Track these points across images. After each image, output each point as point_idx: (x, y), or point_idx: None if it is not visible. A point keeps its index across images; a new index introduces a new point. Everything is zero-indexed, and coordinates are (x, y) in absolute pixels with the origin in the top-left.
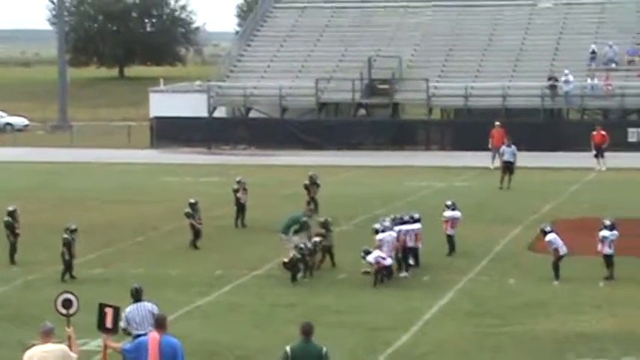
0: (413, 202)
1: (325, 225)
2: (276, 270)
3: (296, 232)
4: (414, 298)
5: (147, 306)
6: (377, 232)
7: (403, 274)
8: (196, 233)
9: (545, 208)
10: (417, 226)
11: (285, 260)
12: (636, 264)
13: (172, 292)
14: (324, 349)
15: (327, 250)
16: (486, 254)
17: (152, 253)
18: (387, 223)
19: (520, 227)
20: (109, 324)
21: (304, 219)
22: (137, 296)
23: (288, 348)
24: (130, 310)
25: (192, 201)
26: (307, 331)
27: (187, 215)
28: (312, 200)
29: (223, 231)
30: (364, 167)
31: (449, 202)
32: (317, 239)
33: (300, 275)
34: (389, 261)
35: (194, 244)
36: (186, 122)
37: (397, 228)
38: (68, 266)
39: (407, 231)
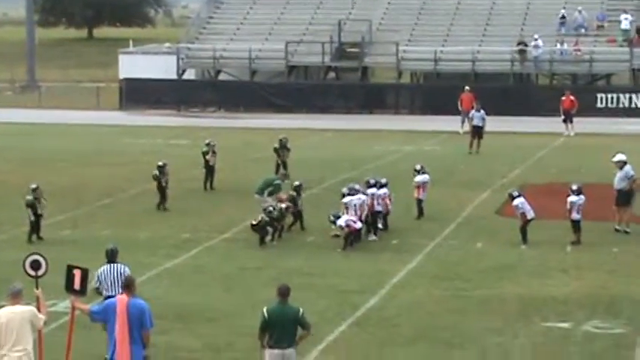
0: (382, 165)
1: (297, 189)
2: (244, 233)
3: (270, 194)
4: (383, 262)
5: (120, 268)
6: (343, 195)
7: (372, 237)
8: (163, 195)
9: (514, 172)
10: (383, 190)
11: (254, 222)
12: (603, 229)
13: (140, 254)
14: (301, 310)
15: (298, 214)
16: (455, 218)
17: (120, 215)
18: (358, 187)
19: (488, 192)
20: (77, 285)
21: (278, 182)
22: (111, 257)
23: (265, 310)
24: (102, 270)
25: (160, 163)
26: (283, 292)
27: (155, 177)
28: (282, 164)
29: (192, 194)
30: (333, 131)
31: (418, 167)
32: (284, 205)
33: (268, 238)
34: (359, 224)
35: (161, 207)
36: (156, 84)
37: (368, 192)
38: (33, 227)
39: (373, 194)
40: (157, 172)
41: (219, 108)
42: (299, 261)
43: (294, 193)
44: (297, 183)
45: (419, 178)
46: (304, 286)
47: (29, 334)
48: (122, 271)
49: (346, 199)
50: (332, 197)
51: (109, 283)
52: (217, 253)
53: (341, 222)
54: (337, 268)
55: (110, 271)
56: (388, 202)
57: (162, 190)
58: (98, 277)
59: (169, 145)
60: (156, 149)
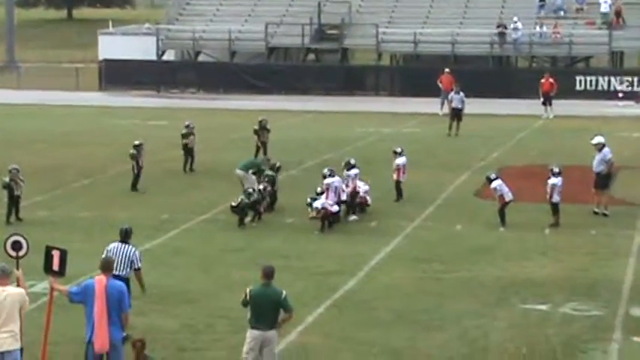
0: (361, 147)
1: (277, 169)
2: (223, 214)
3: (254, 174)
4: (361, 244)
5: (129, 249)
6: (324, 176)
7: (352, 217)
8: (137, 175)
9: (493, 155)
10: (354, 171)
11: (234, 204)
12: (581, 211)
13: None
14: (284, 293)
15: (273, 194)
16: (433, 200)
17: (99, 196)
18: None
19: (467, 174)
20: (55, 266)
21: (262, 166)
22: (125, 237)
23: (248, 290)
24: (112, 247)
25: (136, 142)
26: (267, 274)
27: (132, 157)
28: (262, 145)
29: (171, 175)
30: (313, 112)
31: (398, 149)
32: (262, 186)
33: (247, 220)
34: (335, 207)
35: (134, 186)
36: (135, 65)
37: (348, 173)
38: (10, 209)
39: (355, 175)
40: (134, 152)
41: (199, 89)
42: (277, 243)
43: (273, 173)
44: (277, 164)
45: (399, 160)
46: (282, 268)
47: (17, 316)
48: (132, 255)
49: (327, 181)
50: (311, 179)
51: (116, 262)
52: (196, 234)
53: (317, 205)
54: (315, 250)
55: (119, 249)
56: (359, 183)
57: (137, 169)
58: (107, 252)
59: (149, 125)
60: (135, 130)
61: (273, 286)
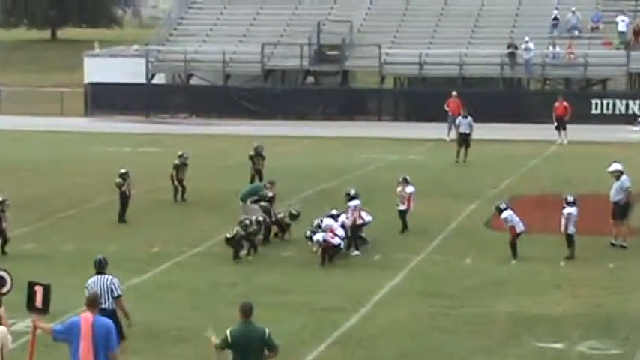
0: (363, 176)
1: (270, 200)
2: (217, 247)
3: (254, 202)
4: (364, 278)
5: (107, 280)
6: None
7: (355, 252)
8: (124, 204)
9: (503, 183)
10: (354, 203)
11: (228, 236)
12: (598, 243)
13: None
14: (267, 331)
15: (277, 224)
16: (441, 232)
17: (86, 227)
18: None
19: (477, 203)
20: (38, 303)
21: (264, 192)
22: (100, 268)
23: (228, 332)
24: (91, 282)
25: (122, 171)
26: (246, 311)
27: (118, 186)
28: (257, 172)
29: (162, 205)
30: (312, 138)
31: (407, 177)
32: (260, 218)
33: (243, 253)
34: (337, 240)
35: (121, 217)
36: (123, 89)
37: (349, 204)
38: None
39: (356, 206)
40: (120, 181)
41: (191, 114)
42: (275, 277)
43: (267, 204)
44: (269, 194)
45: (408, 188)
46: (280, 304)
47: None
48: (110, 284)
49: (352, 203)
50: (309, 209)
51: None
52: (188, 268)
53: (318, 237)
54: (316, 284)
55: (98, 282)
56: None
57: (124, 199)
58: (87, 288)
59: (138, 153)
60: (124, 158)
61: (254, 324)
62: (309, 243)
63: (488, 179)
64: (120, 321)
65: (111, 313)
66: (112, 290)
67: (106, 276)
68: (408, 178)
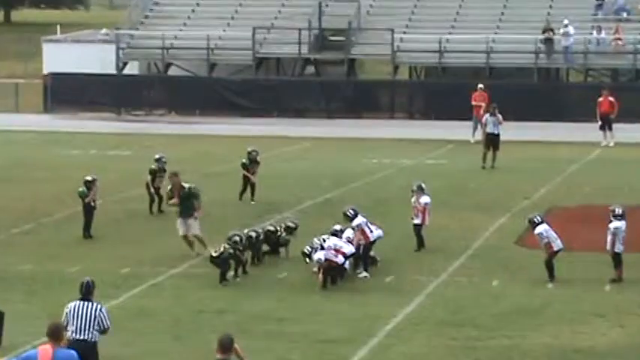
0: (373, 183)
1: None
2: (201, 267)
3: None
4: (374, 304)
5: (94, 307)
6: (347, 216)
7: (363, 274)
8: (89, 218)
9: (538, 192)
10: (356, 222)
11: (214, 254)
12: None
13: (69, 294)
14: None
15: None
16: (464, 249)
17: (45, 244)
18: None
19: (507, 216)
20: None
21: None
22: (86, 293)
23: None
24: (72, 307)
25: (88, 178)
26: (225, 346)
27: (82, 195)
28: (251, 186)
29: (135, 218)
30: (312, 139)
31: (420, 185)
32: (254, 234)
33: (230, 274)
34: (341, 259)
35: (86, 232)
36: (89, 81)
37: (352, 225)
38: None
39: (359, 225)
40: (83, 189)
41: (170, 111)
42: (269, 302)
43: (253, 233)
44: (252, 233)
45: (423, 199)
46: (275, 334)
47: None
48: (98, 313)
49: (356, 222)
50: (310, 223)
51: (78, 325)
52: (166, 292)
53: (319, 256)
54: (316, 311)
55: (81, 309)
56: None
57: (89, 211)
58: (66, 314)
59: (107, 156)
60: (90, 162)
61: None
62: (307, 261)
63: (521, 188)
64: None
65: (92, 347)
66: (101, 321)
67: (94, 304)
68: (423, 185)
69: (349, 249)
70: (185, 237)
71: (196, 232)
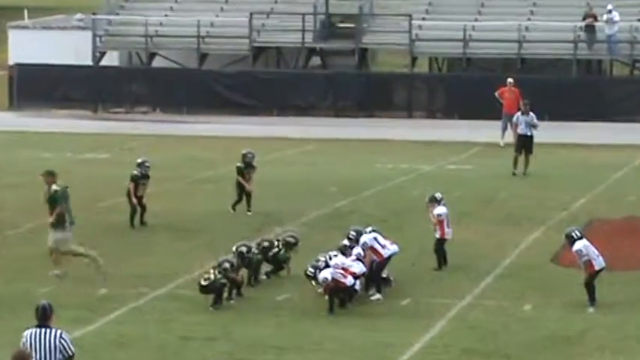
0: (386, 191)
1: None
2: (188, 288)
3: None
4: (388, 331)
5: (53, 335)
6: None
7: (376, 296)
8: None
9: (578, 202)
10: (365, 238)
11: (204, 283)
12: None
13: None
14: None
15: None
16: (492, 268)
17: (11, 260)
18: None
19: (541, 230)
20: None
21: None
22: (42, 319)
23: None
24: (28, 335)
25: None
26: None
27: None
28: (245, 193)
29: (113, 230)
30: (318, 141)
31: (439, 195)
32: (244, 248)
33: (224, 296)
34: (350, 280)
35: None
36: (62, 73)
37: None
38: None
39: (365, 243)
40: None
41: (154, 108)
42: (267, 329)
43: (244, 248)
44: (243, 248)
45: (437, 210)
46: None
47: None
48: (59, 341)
49: (364, 239)
50: (314, 237)
51: (39, 357)
52: (149, 317)
53: (325, 275)
54: (322, 339)
55: (39, 338)
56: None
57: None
58: (23, 345)
59: (82, 160)
60: (62, 166)
61: None
62: (313, 284)
63: (557, 197)
64: None
65: None
66: (63, 349)
67: (53, 330)
68: (437, 196)
69: (359, 268)
70: (53, 251)
71: (70, 248)
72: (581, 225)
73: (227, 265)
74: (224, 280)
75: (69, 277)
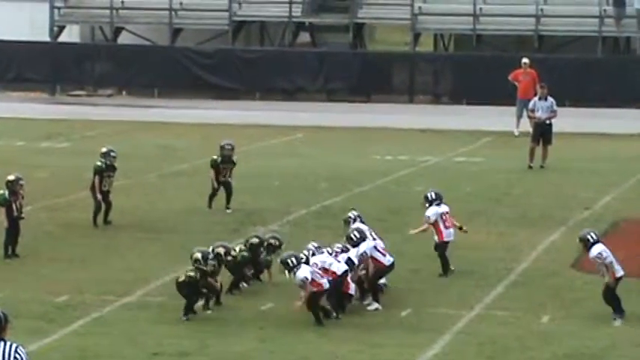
0: (385, 186)
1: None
2: (158, 295)
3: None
4: (386, 345)
5: (9, 349)
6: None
7: (374, 306)
8: (10, 230)
9: (602, 200)
10: (365, 245)
11: (181, 279)
12: None
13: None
14: None
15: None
16: (505, 275)
17: None
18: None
19: (561, 231)
20: None
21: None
22: None
23: None
24: None
25: (10, 177)
26: None
27: (3, 202)
28: (224, 186)
29: (74, 230)
30: (306, 128)
31: (431, 194)
32: (222, 250)
33: (200, 304)
34: (325, 283)
35: (8, 249)
36: (16, 50)
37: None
38: None
39: (365, 253)
40: (4, 193)
41: (120, 90)
42: (248, 342)
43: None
44: (220, 250)
45: (432, 211)
46: None
47: None
48: (13, 355)
49: (363, 247)
50: (301, 238)
51: None
52: (115, 327)
53: (304, 274)
54: (310, 354)
55: None
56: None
57: (13, 222)
58: None
59: (38, 149)
60: (15, 157)
61: None
62: (286, 274)
63: (579, 194)
64: None
65: None
66: None
67: (8, 343)
68: (428, 195)
69: (339, 267)
70: None
71: None
72: (607, 225)
73: (198, 255)
74: (196, 276)
75: (22, 282)
